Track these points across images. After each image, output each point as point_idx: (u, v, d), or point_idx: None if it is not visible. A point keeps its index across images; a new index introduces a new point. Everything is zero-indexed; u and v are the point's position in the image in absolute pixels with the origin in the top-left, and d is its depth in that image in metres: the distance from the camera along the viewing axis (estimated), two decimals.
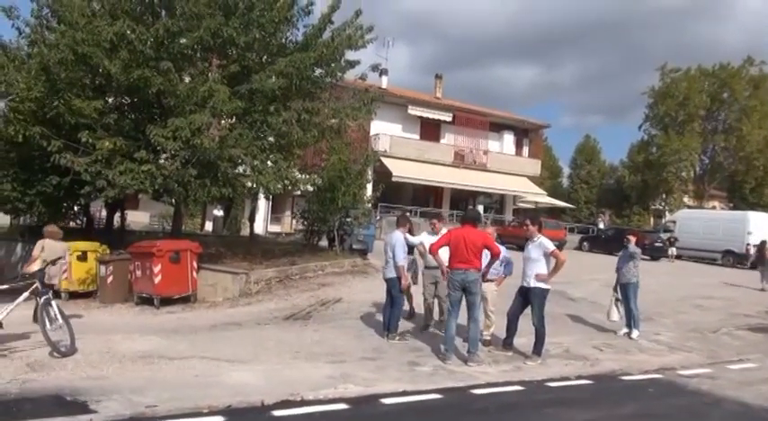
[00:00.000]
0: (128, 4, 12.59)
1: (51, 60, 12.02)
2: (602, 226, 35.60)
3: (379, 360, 7.28)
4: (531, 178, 36.69)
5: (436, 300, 8.89)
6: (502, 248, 7.81)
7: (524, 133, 39.04)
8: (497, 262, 7.77)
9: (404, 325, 8.88)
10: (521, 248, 8.60)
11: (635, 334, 9.44)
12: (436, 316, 9.08)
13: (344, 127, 15.16)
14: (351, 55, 14.56)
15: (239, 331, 9.08)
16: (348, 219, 16.80)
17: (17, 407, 4.95)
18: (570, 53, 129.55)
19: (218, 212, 26.75)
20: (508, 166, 35.88)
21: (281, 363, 6.95)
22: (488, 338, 8.21)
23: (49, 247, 9.63)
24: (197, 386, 5.81)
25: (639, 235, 11.45)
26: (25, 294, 7.05)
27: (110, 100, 13.52)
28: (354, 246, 17.18)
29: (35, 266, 9.11)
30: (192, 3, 12.15)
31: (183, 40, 12.69)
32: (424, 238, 8.94)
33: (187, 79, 12.99)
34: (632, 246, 9.70)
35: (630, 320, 9.57)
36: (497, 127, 37.12)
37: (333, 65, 14.27)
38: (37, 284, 7.10)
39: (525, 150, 39.03)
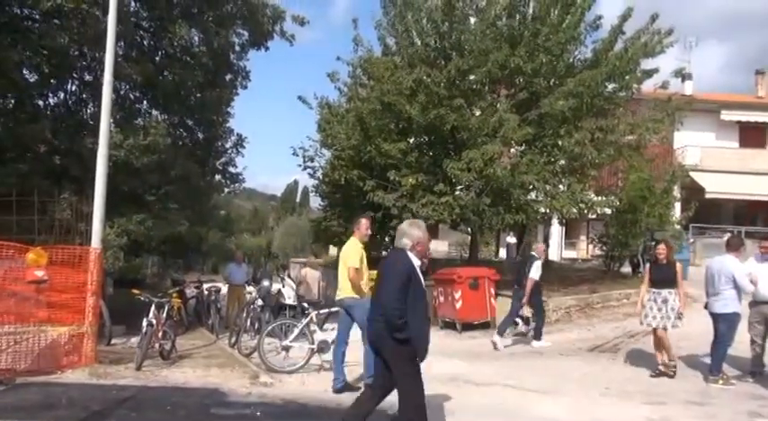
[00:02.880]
0: (423, 52, 13.82)
1: (364, 112, 13.91)
2: None
3: (708, 406, 6.25)
4: None
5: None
6: None
7: None
8: None
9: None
10: None
11: None
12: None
13: (644, 142, 13.89)
14: (647, 63, 13.46)
15: (541, 360, 8.86)
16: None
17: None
18: None
19: (511, 239, 26.95)
20: None
21: (588, 398, 6.51)
22: None
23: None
24: (504, 414, 5.80)
25: None
26: None
27: (411, 140, 14.91)
28: None
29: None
30: (479, 40, 12.75)
31: (472, 77, 13.37)
32: (752, 266, 7.50)
33: (477, 112, 13.55)
34: None
35: None
36: None
37: (627, 77, 13.33)
38: None
39: None
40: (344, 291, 6.61)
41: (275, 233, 67.34)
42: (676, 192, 16.48)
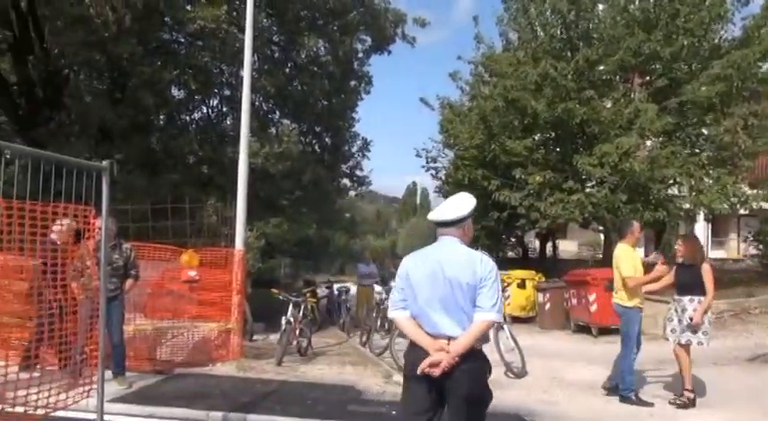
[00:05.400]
0: (548, 45, 13.32)
1: (487, 110, 13.69)
2: None
3: None
4: None
5: None
6: None
7: None
8: None
9: None
10: None
11: None
12: None
13: None
14: None
15: (692, 370, 8.12)
16: None
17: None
18: None
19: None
20: None
21: (752, 412, 5.86)
22: None
23: None
24: None
25: None
26: None
27: (536, 137, 14.43)
28: None
29: None
30: (610, 27, 12.05)
31: (601, 67, 12.68)
32: None
33: (608, 104, 12.80)
34: None
35: None
36: None
37: None
38: None
39: None
40: (616, 297, 6.50)
41: (399, 235, 68.37)
42: None
